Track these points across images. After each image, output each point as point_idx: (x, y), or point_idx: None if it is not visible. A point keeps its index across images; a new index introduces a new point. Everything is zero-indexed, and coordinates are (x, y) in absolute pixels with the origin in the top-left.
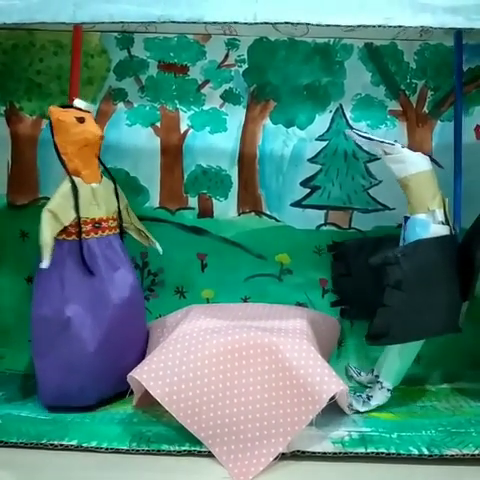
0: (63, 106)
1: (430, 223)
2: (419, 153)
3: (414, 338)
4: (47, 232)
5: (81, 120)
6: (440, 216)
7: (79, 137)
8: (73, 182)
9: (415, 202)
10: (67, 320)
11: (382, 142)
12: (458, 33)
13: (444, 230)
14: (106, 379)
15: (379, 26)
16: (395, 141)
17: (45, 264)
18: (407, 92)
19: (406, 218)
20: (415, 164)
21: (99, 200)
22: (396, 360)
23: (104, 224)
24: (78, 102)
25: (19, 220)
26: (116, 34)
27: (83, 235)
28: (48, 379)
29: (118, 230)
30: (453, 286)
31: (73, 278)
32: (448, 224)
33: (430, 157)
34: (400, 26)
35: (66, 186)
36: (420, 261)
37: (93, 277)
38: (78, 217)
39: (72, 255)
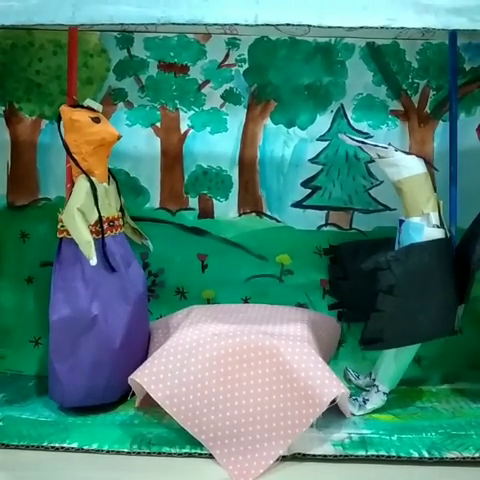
0: (73, 106)
1: (424, 226)
2: (413, 156)
3: (408, 342)
4: (85, 230)
5: (96, 120)
6: (435, 219)
7: (96, 137)
8: (91, 181)
9: (409, 205)
10: (94, 318)
11: (375, 146)
12: (453, 34)
13: (439, 233)
14: (128, 374)
15: (382, 27)
16: (389, 144)
17: (94, 261)
18: (409, 92)
19: (401, 221)
20: (408, 167)
21: (111, 199)
22: (392, 364)
23: (116, 222)
24: (89, 102)
25: (19, 221)
26: (116, 34)
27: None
28: (73, 381)
29: (123, 228)
30: (448, 289)
31: (95, 276)
32: (443, 227)
33: (424, 160)
34: (403, 27)
35: (85, 185)
36: (413, 265)
37: (113, 274)
38: (99, 215)
39: None
